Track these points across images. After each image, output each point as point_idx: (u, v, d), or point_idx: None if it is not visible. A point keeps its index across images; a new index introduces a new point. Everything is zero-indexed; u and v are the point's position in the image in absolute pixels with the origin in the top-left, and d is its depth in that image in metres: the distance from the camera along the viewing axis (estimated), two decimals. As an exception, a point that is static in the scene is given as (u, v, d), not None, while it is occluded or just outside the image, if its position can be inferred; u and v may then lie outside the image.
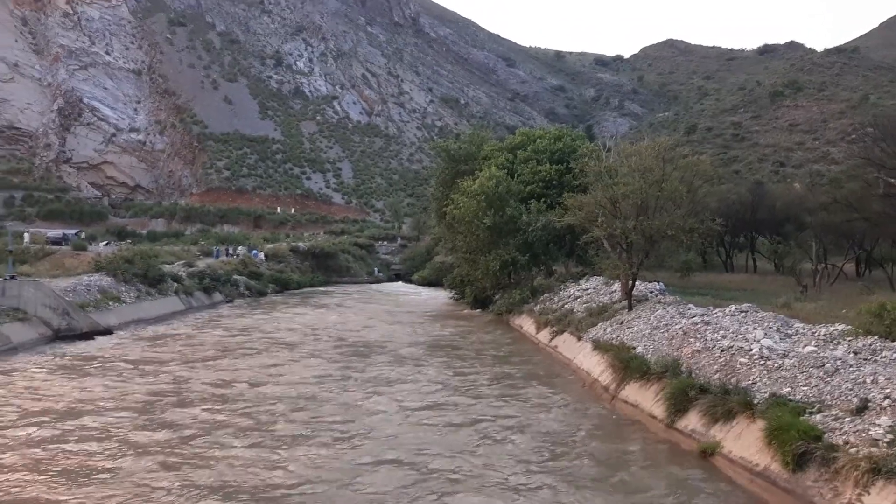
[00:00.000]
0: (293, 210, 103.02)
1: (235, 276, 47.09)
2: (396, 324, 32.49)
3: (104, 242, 63.88)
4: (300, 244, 67.26)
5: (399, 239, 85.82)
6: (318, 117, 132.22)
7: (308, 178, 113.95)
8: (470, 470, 11.46)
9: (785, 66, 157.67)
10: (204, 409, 15.20)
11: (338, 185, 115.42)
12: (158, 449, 12.41)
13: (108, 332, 27.25)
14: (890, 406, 9.96)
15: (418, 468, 11.52)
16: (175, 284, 37.72)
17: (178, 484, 10.64)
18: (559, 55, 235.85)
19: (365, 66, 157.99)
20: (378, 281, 69.46)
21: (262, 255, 57.51)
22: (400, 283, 68.44)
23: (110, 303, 30.61)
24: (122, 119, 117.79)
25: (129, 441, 12.83)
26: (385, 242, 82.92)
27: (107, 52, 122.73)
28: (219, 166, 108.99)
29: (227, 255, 55.63)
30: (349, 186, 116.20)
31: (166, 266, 40.35)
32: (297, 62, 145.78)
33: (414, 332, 29.85)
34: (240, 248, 60.24)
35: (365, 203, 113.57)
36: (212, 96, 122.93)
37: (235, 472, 11.20)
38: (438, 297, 49.72)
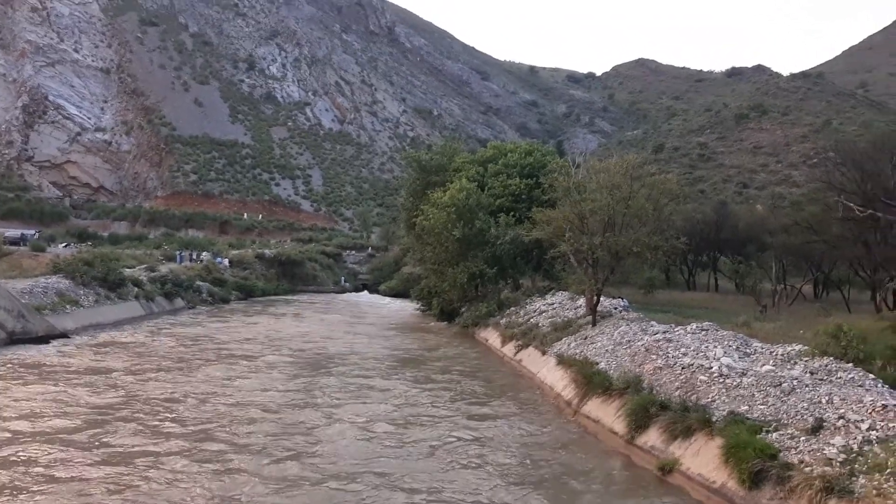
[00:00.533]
0: (260, 216, 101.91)
1: (198, 282, 46.30)
2: (360, 335, 32.05)
3: (63, 244, 62.35)
4: (266, 251, 66.52)
5: (367, 249, 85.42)
6: (289, 123, 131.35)
7: (277, 185, 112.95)
8: (423, 484, 11.34)
9: (751, 89, 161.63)
10: (148, 425, 14.37)
11: (307, 193, 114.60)
12: (91, 464, 11.76)
13: (64, 335, 26.50)
14: (844, 426, 10.15)
15: (367, 482, 11.37)
16: (136, 289, 36.94)
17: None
18: (533, 70, 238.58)
19: (339, 74, 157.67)
20: (345, 290, 68.97)
21: (226, 262, 56.70)
22: (367, 293, 68.04)
23: (68, 306, 29.82)
24: (88, 118, 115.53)
25: (61, 454, 12.16)
26: (353, 252, 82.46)
27: (75, 50, 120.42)
28: (186, 169, 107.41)
29: (191, 260, 54.73)
30: (318, 194, 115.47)
31: (127, 270, 39.49)
32: (270, 67, 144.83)
33: (378, 344, 29.37)
34: (204, 253, 59.29)
35: (334, 211, 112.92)
36: (182, 98, 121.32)
37: (167, 493, 10.60)
38: (405, 309, 49.52)
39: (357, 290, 71.11)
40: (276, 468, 11.86)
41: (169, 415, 15.26)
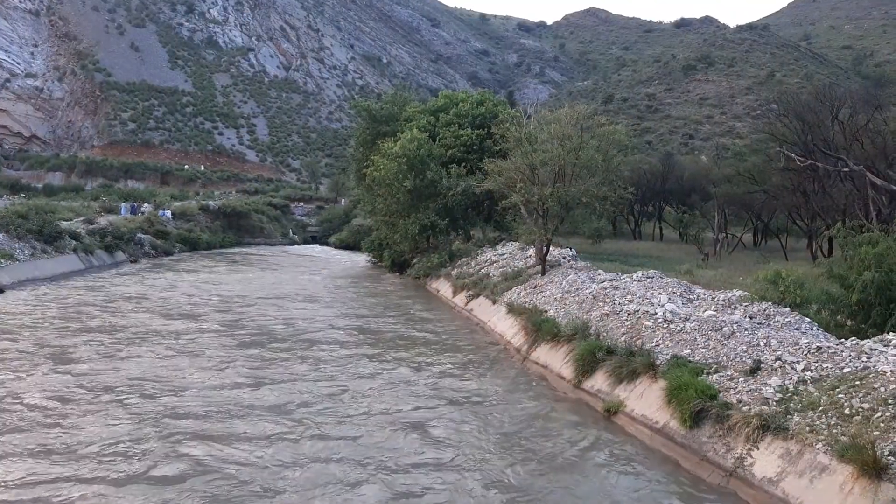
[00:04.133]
0: (202, 167, 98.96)
1: (140, 235, 45.01)
2: (309, 288, 31.74)
3: (-6, 196, 59.49)
4: (211, 203, 64.95)
5: (316, 200, 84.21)
6: (232, 70, 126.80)
7: (220, 134, 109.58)
8: (374, 435, 11.45)
9: (699, 40, 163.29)
10: (51, 403, 12.39)
11: (252, 142, 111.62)
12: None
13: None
14: (780, 367, 10.61)
15: (309, 426, 11.42)
16: (74, 242, 35.67)
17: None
18: (484, 18, 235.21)
19: (283, 18, 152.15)
20: (293, 243, 68.12)
21: (168, 214, 55.17)
22: (316, 245, 67.33)
23: (2, 260, 28.63)
24: (17, 63, 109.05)
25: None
26: (301, 203, 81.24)
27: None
28: (123, 118, 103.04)
29: (133, 212, 53.08)
30: (264, 144, 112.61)
31: (64, 222, 38.03)
32: (211, 10, 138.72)
33: (327, 296, 29.05)
34: (145, 205, 57.51)
35: (281, 162, 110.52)
36: (117, 42, 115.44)
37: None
38: (356, 261, 49.27)
39: (306, 242, 70.33)
40: (218, 426, 11.76)
41: (84, 393, 13.15)
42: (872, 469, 7.57)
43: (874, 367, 9.54)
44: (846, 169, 28.42)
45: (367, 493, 9.07)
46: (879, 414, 8.46)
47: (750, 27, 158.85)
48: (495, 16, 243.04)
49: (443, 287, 30.26)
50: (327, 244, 65.70)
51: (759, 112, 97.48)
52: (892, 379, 8.99)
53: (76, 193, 71.52)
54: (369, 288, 33.15)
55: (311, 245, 67.93)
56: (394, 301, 28.05)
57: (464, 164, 36.39)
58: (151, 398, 12.85)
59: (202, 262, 43.93)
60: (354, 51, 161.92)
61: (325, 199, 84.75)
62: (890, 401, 8.58)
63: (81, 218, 43.01)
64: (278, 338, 19.14)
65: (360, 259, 49.19)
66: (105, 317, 21.53)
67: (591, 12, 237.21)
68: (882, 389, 8.87)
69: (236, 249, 55.97)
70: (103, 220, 43.69)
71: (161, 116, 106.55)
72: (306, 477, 9.51)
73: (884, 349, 10.41)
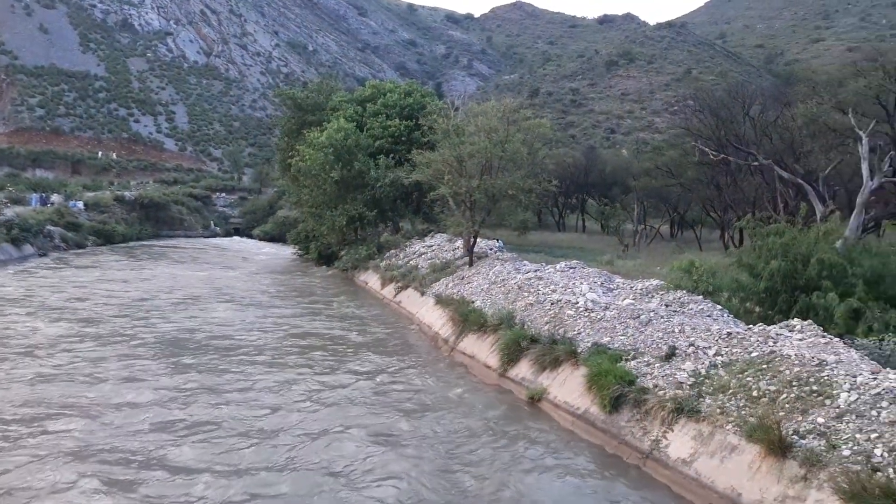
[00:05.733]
0: (114, 154, 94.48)
1: (49, 228, 42.68)
2: (231, 284, 30.47)
3: None
4: (126, 193, 62.29)
5: (239, 191, 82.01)
6: (148, 54, 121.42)
7: (136, 121, 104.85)
8: (299, 420, 11.30)
9: (621, 36, 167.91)
10: None
11: (171, 131, 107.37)
12: None
13: None
14: (693, 353, 11.08)
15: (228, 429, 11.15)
16: (-25, 234, 33.54)
17: None
18: (412, 8, 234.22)
19: (204, 2, 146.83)
20: (215, 235, 66.19)
21: (80, 205, 52.56)
22: (239, 237, 65.61)
23: None
24: None
25: None
26: (223, 194, 78.91)
27: None
28: (31, 103, 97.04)
29: (43, 203, 50.24)
30: (184, 132, 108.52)
31: (-36, 214, 35.68)
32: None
33: (250, 293, 27.78)
34: (54, 195, 54.51)
35: (201, 151, 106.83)
36: (24, 23, 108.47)
37: None
38: (281, 254, 48.30)
39: (228, 234, 68.52)
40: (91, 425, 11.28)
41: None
42: (778, 448, 8.01)
43: (780, 351, 10.08)
44: (756, 163, 29.88)
45: None
46: (785, 395, 8.95)
47: (669, 25, 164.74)
48: (423, 6, 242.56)
49: (371, 279, 30.07)
50: (251, 236, 64.18)
51: (676, 108, 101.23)
52: (797, 362, 9.52)
53: (-22, 183, 66.97)
54: (295, 282, 32.51)
55: (234, 237, 66.16)
56: (320, 295, 27.64)
57: (392, 154, 36.17)
58: (31, 425, 10.66)
59: (115, 256, 42.01)
60: (279, 38, 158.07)
61: (249, 190, 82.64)
62: (794, 383, 9.09)
63: (-16, 209, 40.48)
64: (192, 346, 16.77)
65: (286, 252, 48.24)
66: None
67: (518, 6, 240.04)
68: (787, 372, 9.38)
69: (154, 242, 53.90)
70: (9, 212, 41.22)
71: (72, 102, 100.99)
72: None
73: (789, 334, 11.03)
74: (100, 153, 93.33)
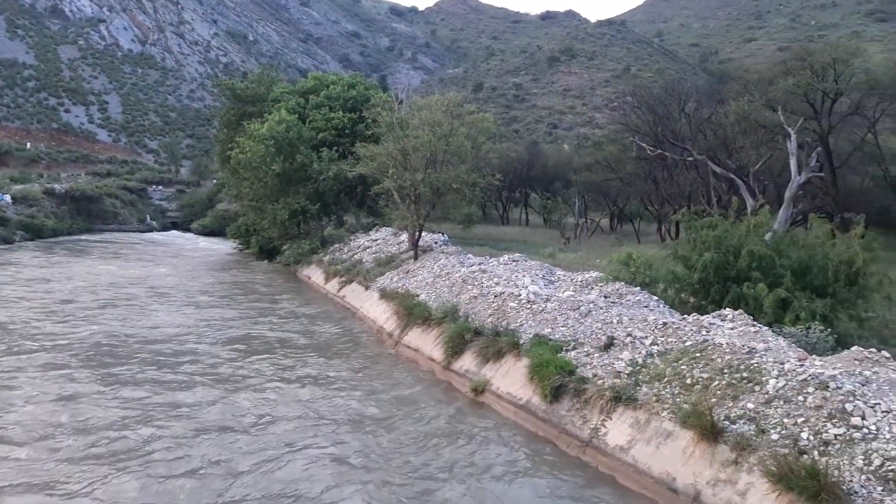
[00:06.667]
0: (42, 145, 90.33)
1: (-27, 221, 40.59)
2: (166, 281, 28.91)
3: None
4: (57, 186, 59.60)
5: (176, 184, 79.66)
6: (80, 42, 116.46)
7: (67, 111, 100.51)
8: (238, 415, 11.09)
9: (563, 33, 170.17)
10: None
11: (104, 121, 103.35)
12: None
13: None
14: (631, 342, 11.36)
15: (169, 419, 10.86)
16: None
17: None
18: None
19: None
20: (151, 229, 64.16)
21: (7, 198, 50.10)
22: (176, 232, 63.76)
23: None
24: None
25: None
26: (160, 187, 76.53)
27: None
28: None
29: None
30: (117, 123, 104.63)
31: None
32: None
33: (187, 291, 26.37)
34: (-22, 188, 51.85)
35: (136, 142, 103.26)
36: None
37: None
38: (220, 248, 47.18)
39: (165, 228, 66.56)
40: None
41: None
42: (711, 433, 8.31)
43: (712, 339, 10.44)
44: (691, 158, 30.82)
45: None
46: (717, 383, 9.28)
47: (609, 22, 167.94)
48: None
49: (314, 274, 29.70)
50: (189, 230, 62.50)
51: (616, 104, 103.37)
52: (728, 351, 9.87)
53: None
54: (236, 278, 31.64)
55: (172, 231, 64.27)
56: (263, 293, 27.02)
57: (335, 147, 35.76)
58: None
59: (43, 251, 40.14)
60: (218, 27, 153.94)
61: (187, 183, 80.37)
62: (725, 371, 9.43)
63: None
64: (121, 355, 14.94)
65: (226, 246, 47.15)
66: None
67: (462, 0, 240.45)
68: (719, 360, 9.73)
69: (86, 237, 51.79)
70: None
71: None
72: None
73: (721, 323, 11.43)
74: (28, 144, 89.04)
